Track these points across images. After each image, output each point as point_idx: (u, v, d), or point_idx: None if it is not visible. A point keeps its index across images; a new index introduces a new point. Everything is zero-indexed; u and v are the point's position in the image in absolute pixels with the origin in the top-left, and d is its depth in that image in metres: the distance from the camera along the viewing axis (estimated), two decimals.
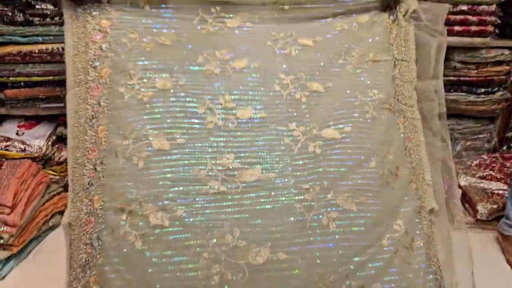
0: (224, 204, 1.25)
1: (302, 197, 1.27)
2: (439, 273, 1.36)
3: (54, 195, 1.90)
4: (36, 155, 1.94)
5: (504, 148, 2.36)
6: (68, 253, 1.27)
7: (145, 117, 1.28)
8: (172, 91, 1.32)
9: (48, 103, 1.96)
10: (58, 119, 2.05)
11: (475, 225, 1.97)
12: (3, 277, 1.60)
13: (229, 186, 1.26)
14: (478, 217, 1.93)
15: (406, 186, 1.40)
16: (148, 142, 1.27)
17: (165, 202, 1.23)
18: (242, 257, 1.20)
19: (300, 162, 1.31)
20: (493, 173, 2.12)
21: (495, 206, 1.94)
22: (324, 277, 1.22)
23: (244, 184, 1.26)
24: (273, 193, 1.27)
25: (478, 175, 2.12)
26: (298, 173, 1.30)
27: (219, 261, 1.19)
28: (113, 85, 1.30)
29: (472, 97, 2.19)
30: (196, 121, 1.31)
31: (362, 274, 1.26)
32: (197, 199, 1.24)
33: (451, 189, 2.02)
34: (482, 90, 2.19)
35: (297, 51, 1.42)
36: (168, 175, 1.25)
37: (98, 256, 1.22)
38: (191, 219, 1.22)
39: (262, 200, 1.27)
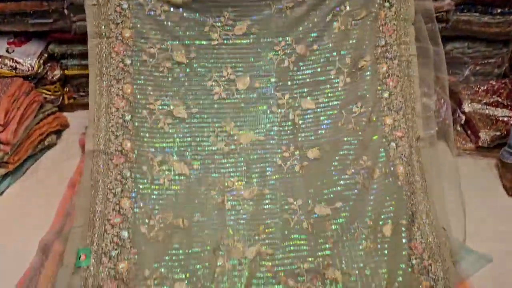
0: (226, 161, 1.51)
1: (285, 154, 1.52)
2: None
3: (48, 115, 1.88)
4: (28, 73, 1.90)
5: None
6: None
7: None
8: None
9: (36, 18, 1.87)
10: (49, 37, 1.97)
11: (476, 152, 1.93)
12: (1, 193, 1.64)
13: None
14: (480, 144, 1.89)
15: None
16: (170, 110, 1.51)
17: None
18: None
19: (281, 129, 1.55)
20: (500, 100, 2.04)
21: (497, 133, 1.89)
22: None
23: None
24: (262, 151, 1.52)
25: (484, 101, 2.04)
26: (282, 137, 1.54)
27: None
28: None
29: (486, 18, 2.04)
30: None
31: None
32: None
33: (450, 114, 1.97)
34: (499, 10, 2.04)
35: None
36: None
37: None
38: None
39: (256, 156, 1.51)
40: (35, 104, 1.79)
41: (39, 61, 1.91)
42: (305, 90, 1.55)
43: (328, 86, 1.55)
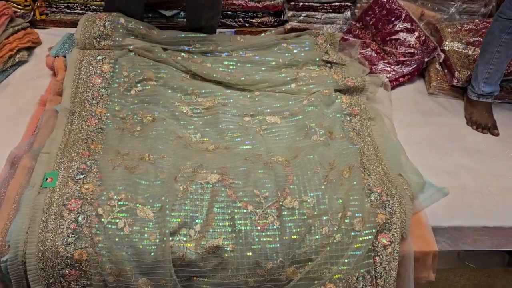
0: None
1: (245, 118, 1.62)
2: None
3: (19, 30, 1.82)
4: None
5: None
6: None
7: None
8: None
9: None
10: None
11: (450, 91, 1.95)
12: None
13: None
14: (454, 83, 1.90)
15: None
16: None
17: None
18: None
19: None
20: (481, 40, 2.02)
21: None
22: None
23: None
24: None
25: (465, 40, 2.02)
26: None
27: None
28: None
29: None
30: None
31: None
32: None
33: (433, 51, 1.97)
34: None
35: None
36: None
37: None
38: None
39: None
40: (5, 17, 1.73)
41: None
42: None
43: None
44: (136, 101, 1.60)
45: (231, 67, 1.78)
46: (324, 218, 1.26)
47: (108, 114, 1.54)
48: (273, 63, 1.81)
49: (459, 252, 1.39)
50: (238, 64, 1.79)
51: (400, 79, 1.97)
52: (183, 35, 1.83)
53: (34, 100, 1.65)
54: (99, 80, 1.62)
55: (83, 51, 1.70)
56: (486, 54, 1.73)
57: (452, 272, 1.53)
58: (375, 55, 2.04)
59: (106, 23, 1.76)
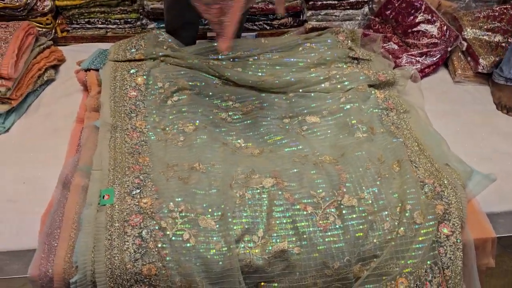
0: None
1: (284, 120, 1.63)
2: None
3: (44, 48, 1.80)
4: (16, 4, 1.79)
5: None
6: None
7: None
8: None
9: None
10: None
11: (475, 78, 1.97)
12: (7, 130, 1.61)
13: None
14: (479, 69, 1.92)
15: None
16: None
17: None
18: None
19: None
20: (500, 25, 2.04)
21: (497, 59, 1.91)
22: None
23: None
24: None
25: (485, 27, 2.05)
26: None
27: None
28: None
29: None
30: None
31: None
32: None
33: (456, 40, 1.99)
34: None
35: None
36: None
37: None
38: None
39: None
40: (31, 37, 1.71)
41: None
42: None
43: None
44: (174, 111, 1.59)
45: (261, 71, 1.78)
46: (384, 213, 1.26)
47: (149, 126, 1.53)
48: (301, 63, 1.81)
49: None
50: (268, 67, 1.79)
51: (426, 70, 1.98)
52: (209, 45, 1.83)
53: (68, 118, 1.64)
54: (135, 93, 1.61)
55: (116, 65, 1.69)
56: None
57: (508, 257, 1.54)
58: (398, 48, 2.06)
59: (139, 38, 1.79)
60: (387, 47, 2.05)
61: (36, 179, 1.42)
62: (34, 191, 1.38)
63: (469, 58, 2.00)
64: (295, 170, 1.37)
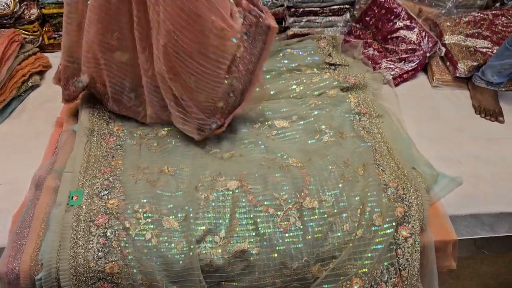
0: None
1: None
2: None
3: (29, 55, 1.87)
4: (3, 12, 1.86)
5: (497, 5, 2.25)
6: None
7: None
8: None
9: None
10: None
11: (453, 83, 1.99)
12: None
13: None
14: (457, 74, 1.94)
15: None
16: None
17: None
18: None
19: None
20: (480, 31, 2.06)
21: (475, 63, 1.93)
22: None
23: None
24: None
25: (465, 32, 2.06)
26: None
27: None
28: None
29: None
30: None
31: None
32: None
33: (434, 46, 2.01)
34: None
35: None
36: None
37: None
38: None
39: None
40: (15, 44, 1.78)
41: (14, 0, 1.87)
42: None
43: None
44: None
45: None
46: (344, 215, 1.29)
47: (126, 131, 1.58)
48: (276, 70, 1.85)
49: (476, 240, 1.42)
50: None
51: (404, 75, 2.00)
52: None
53: (51, 122, 1.70)
54: None
55: None
56: (508, 52, 1.74)
57: (473, 260, 1.55)
58: (378, 54, 2.08)
59: None
60: (367, 53, 2.08)
61: (13, 180, 1.47)
62: (10, 192, 1.43)
63: (447, 63, 2.02)
64: (260, 173, 1.40)
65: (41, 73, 1.94)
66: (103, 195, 1.32)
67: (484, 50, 1.99)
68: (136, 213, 1.26)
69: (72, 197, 1.30)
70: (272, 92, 1.75)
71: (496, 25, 2.09)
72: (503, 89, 1.93)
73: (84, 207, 1.28)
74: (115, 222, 1.24)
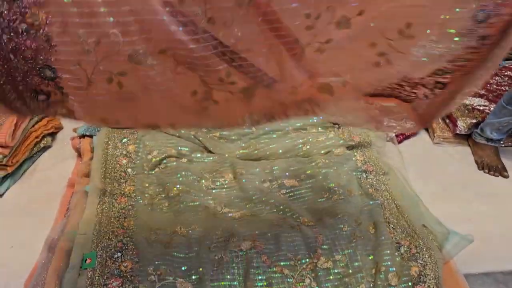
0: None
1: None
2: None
3: (42, 117, 1.91)
4: None
5: None
6: None
7: None
8: None
9: None
10: None
11: (454, 139, 2.04)
12: (2, 195, 1.68)
13: None
14: (457, 131, 2.00)
15: None
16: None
17: None
18: None
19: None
20: (476, 90, 2.15)
21: (474, 121, 2.00)
22: None
23: None
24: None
25: None
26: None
27: None
28: None
29: None
30: None
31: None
32: None
33: None
34: None
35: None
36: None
37: None
38: None
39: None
40: None
41: None
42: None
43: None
44: (161, 177, 1.66)
45: (242, 142, 1.88)
46: (359, 275, 1.28)
47: (137, 191, 1.60)
48: (282, 130, 1.90)
49: None
50: (252, 140, 1.87)
51: (406, 132, 2.06)
52: None
53: (62, 183, 1.71)
54: (125, 161, 1.70)
55: (110, 132, 1.79)
56: (505, 110, 1.80)
57: None
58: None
59: None
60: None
61: (24, 243, 1.47)
62: (21, 255, 1.42)
63: (447, 121, 2.09)
64: (272, 233, 1.41)
65: (53, 135, 1.98)
66: (117, 257, 1.31)
67: (481, 108, 2.07)
68: (150, 275, 1.25)
69: (86, 260, 1.29)
70: (280, 151, 1.80)
71: (491, 84, 2.20)
72: (503, 145, 1.99)
73: (97, 270, 1.27)
74: (129, 286, 1.23)
